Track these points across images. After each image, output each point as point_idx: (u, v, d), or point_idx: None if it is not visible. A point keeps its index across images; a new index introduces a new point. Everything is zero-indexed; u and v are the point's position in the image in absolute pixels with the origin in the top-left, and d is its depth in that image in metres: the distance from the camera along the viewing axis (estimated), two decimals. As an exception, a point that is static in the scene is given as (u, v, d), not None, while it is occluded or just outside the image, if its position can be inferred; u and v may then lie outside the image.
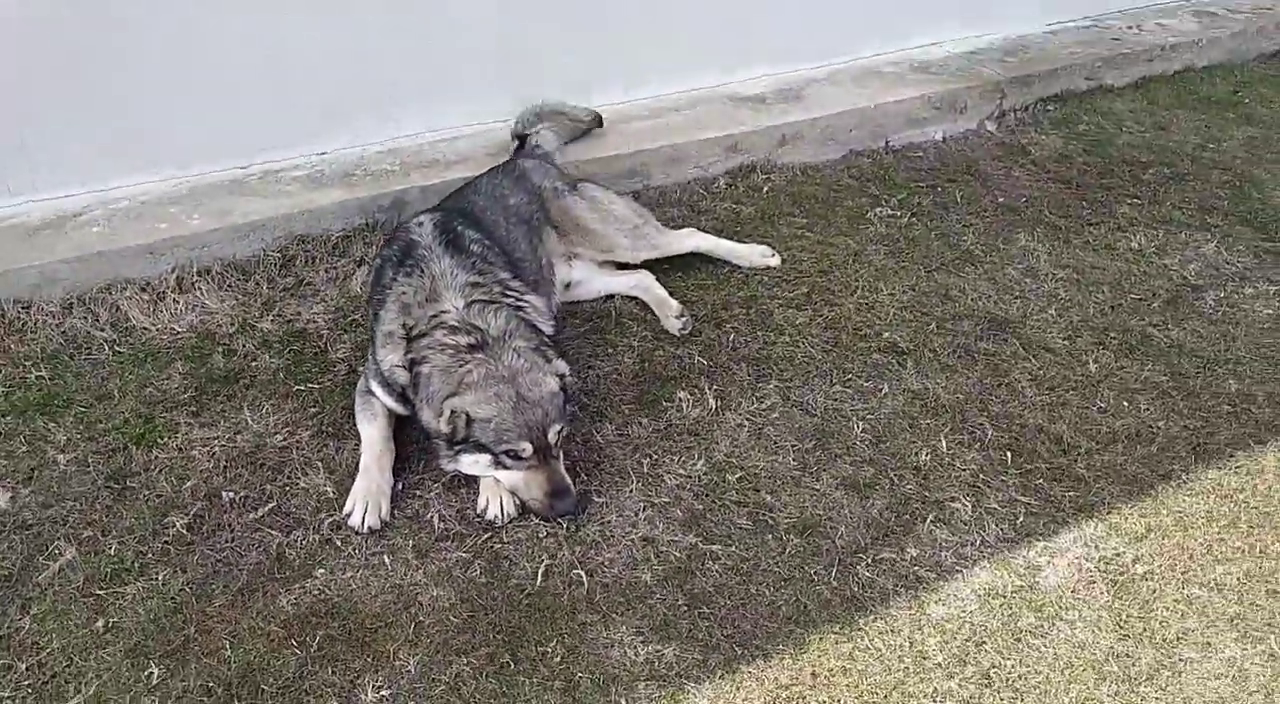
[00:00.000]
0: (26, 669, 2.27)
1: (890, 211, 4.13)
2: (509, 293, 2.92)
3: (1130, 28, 5.51)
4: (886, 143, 4.63)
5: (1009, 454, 2.98)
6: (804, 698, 2.30)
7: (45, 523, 2.60)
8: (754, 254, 3.73)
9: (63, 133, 3.42)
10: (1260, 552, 2.72)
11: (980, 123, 4.83)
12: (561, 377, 2.74)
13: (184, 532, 2.59)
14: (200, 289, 3.37)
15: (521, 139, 3.85)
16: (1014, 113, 4.91)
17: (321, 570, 2.53)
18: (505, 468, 2.67)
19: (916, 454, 2.96)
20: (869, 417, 3.09)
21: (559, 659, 2.35)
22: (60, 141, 3.42)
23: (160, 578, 2.48)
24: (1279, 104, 5.18)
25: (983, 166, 4.52)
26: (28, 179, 3.42)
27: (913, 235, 3.99)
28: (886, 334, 3.44)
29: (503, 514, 2.69)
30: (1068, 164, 4.55)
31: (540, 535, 2.66)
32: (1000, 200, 4.26)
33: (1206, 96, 5.26)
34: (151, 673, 2.26)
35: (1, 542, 2.55)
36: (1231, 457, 3.02)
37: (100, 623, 2.37)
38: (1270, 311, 3.64)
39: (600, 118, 4.17)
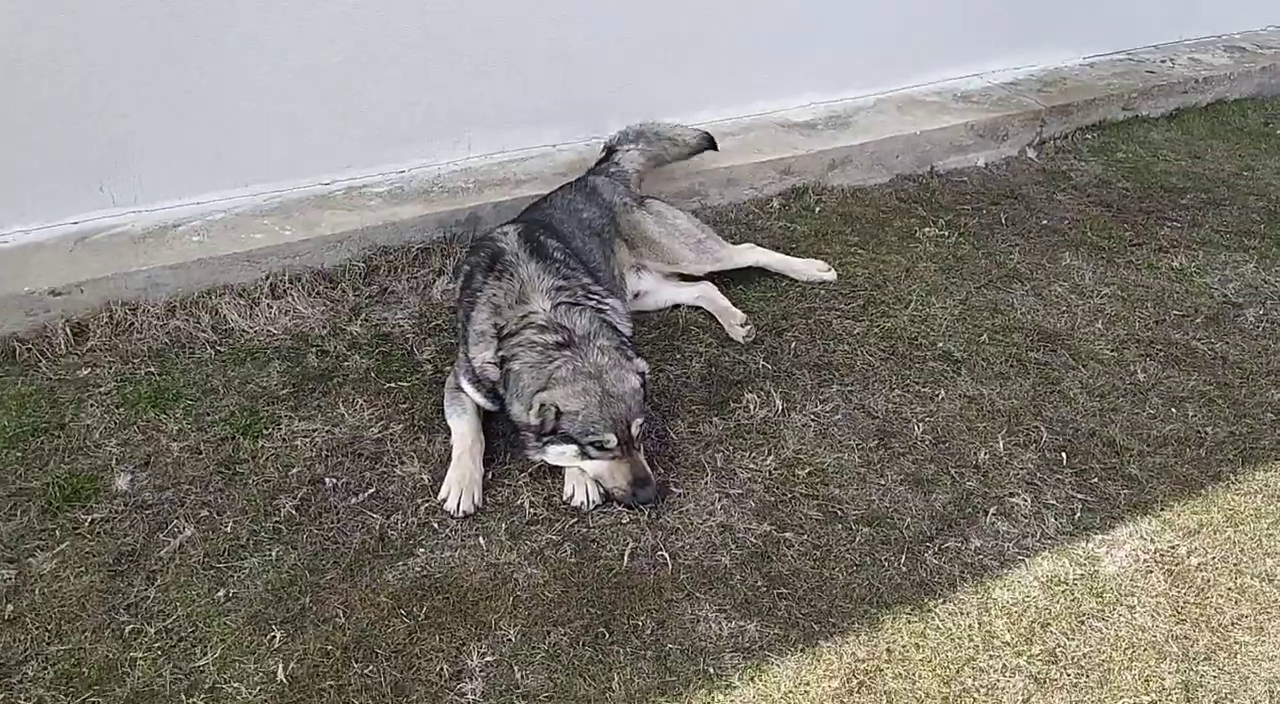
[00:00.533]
0: (155, 633, 2.44)
1: (938, 231, 4.31)
2: (591, 296, 3.11)
3: (1164, 61, 5.71)
4: (931, 168, 4.83)
5: (1064, 455, 3.12)
6: (881, 671, 2.45)
7: (163, 503, 2.78)
8: (811, 268, 3.91)
9: (164, 149, 3.64)
10: (1308, 546, 2.85)
11: (1021, 150, 5.02)
12: (642, 374, 2.92)
13: (293, 513, 2.77)
14: (292, 295, 3.57)
15: (610, 151, 4.04)
16: (1054, 141, 5.11)
17: (422, 550, 2.70)
18: (591, 458, 2.84)
19: (975, 453, 3.11)
20: (928, 419, 3.25)
21: (649, 631, 2.50)
22: (161, 158, 3.64)
23: (274, 554, 2.65)
24: (1310, 135, 5.35)
25: (1025, 191, 4.70)
26: (132, 192, 3.64)
27: (960, 254, 4.17)
28: (941, 344, 3.60)
29: (588, 501, 2.85)
30: (1108, 189, 4.73)
31: (623, 521, 2.82)
32: (1044, 222, 4.43)
33: (1239, 127, 5.44)
34: (274, 636, 2.43)
35: (124, 519, 2.72)
36: (1277, 460, 3.16)
37: (221, 593, 2.54)
38: (1309, 328, 3.78)
39: (712, 139, 4.23)
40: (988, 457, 3.10)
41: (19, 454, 2.91)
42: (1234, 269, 4.12)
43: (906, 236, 4.29)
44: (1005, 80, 5.33)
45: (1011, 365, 3.51)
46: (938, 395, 3.36)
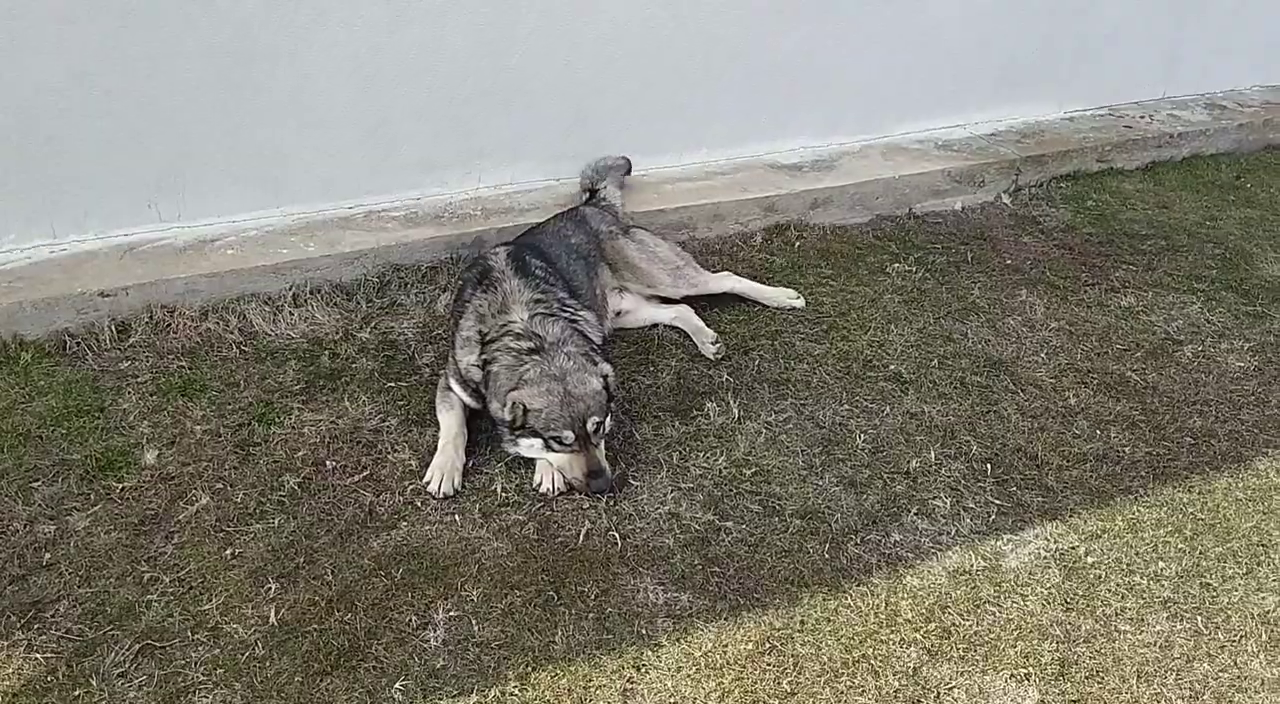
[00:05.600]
0: (169, 582, 2.85)
1: (907, 267, 4.68)
2: (565, 308, 3.52)
3: (1143, 117, 6.06)
4: (910, 210, 5.20)
5: (989, 466, 3.46)
6: (792, 639, 2.79)
7: (184, 476, 3.21)
8: (781, 295, 4.30)
9: (208, 173, 4.12)
10: (1200, 553, 3.16)
11: (997, 196, 5.38)
12: (605, 377, 3.31)
13: (296, 489, 3.18)
14: (311, 305, 4.01)
15: (592, 192, 4.50)
16: (1028, 188, 5.46)
17: (405, 523, 3.10)
18: (553, 450, 3.23)
19: (908, 462, 3.46)
20: (870, 431, 3.60)
21: (594, 597, 2.87)
22: (205, 180, 4.12)
23: (276, 522, 3.06)
24: (1278, 189, 5.66)
25: (995, 233, 5.06)
26: (177, 210, 4.12)
27: (925, 288, 4.53)
28: (893, 366, 3.96)
29: (553, 488, 3.23)
30: (1073, 234, 5.07)
31: (584, 507, 3.20)
32: (1007, 262, 4.78)
33: (1211, 181, 5.77)
34: (270, 588, 2.83)
35: (149, 488, 3.15)
36: (1187, 479, 3.47)
37: (229, 551, 2.95)
38: (1242, 364, 4.09)
39: (629, 163, 4.80)
40: (919, 464, 3.44)
41: (63, 431, 3.35)
42: (1180, 309, 4.44)
43: (877, 271, 4.66)
44: (987, 131, 5.70)
45: (955, 387, 3.86)
46: (883, 411, 3.71)
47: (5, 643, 2.64)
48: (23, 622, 2.70)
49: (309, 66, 4.13)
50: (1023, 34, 5.64)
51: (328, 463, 3.31)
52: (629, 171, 4.83)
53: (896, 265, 4.69)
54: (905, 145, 5.48)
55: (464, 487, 3.25)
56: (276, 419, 3.47)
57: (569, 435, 3.18)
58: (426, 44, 4.32)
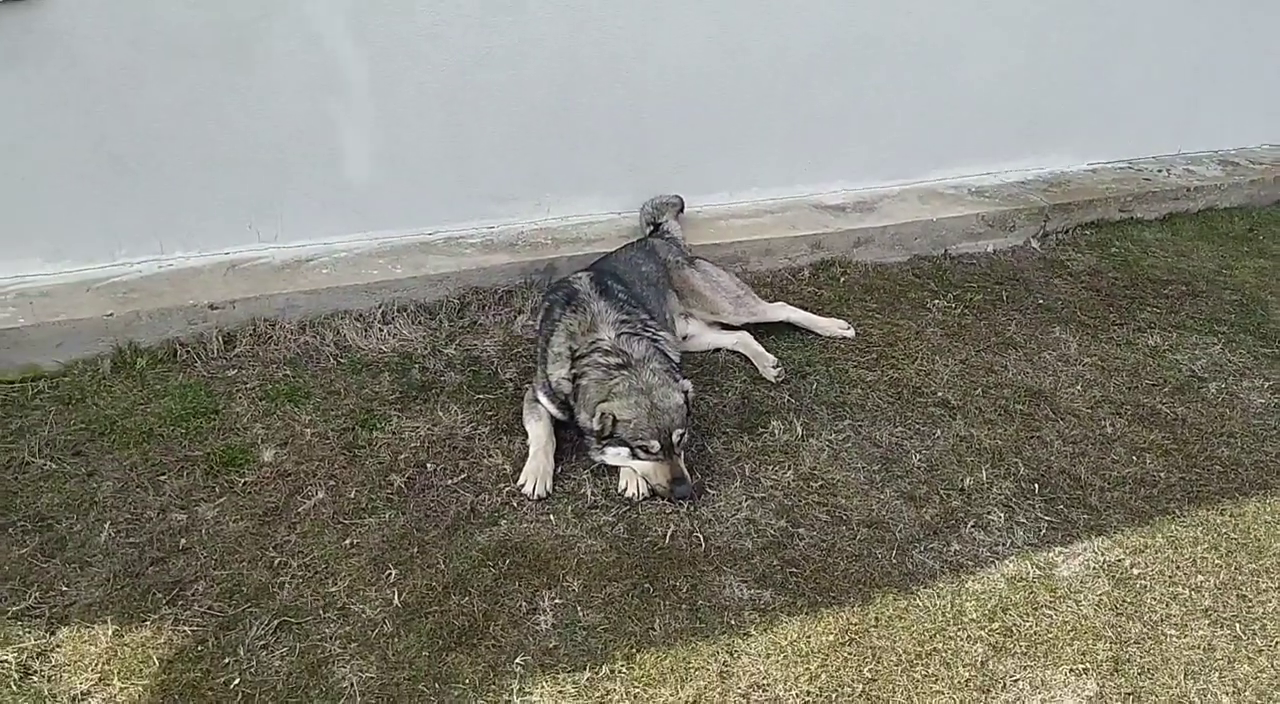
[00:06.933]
0: (297, 566, 3.10)
1: (946, 304, 4.98)
2: (648, 328, 3.81)
3: (1161, 170, 6.40)
4: (945, 251, 5.52)
5: (1036, 486, 3.73)
6: (868, 632, 3.05)
7: (300, 473, 3.47)
8: (833, 326, 4.59)
9: (304, 198, 4.42)
10: (1235, 567, 3.43)
11: (1026, 240, 5.70)
12: (685, 392, 3.59)
13: (402, 487, 3.44)
14: (399, 322, 4.30)
15: (655, 225, 4.81)
16: (1055, 234, 5.79)
17: (504, 521, 3.36)
18: (639, 459, 3.50)
19: (962, 480, 3.73)
20: (924, 451, 3.88)
21: (685, 591, 3.13)
22: (301, 204, 4.42)
23: (388, 516, 3.32)
24: (1288, 241, 5.99)
25: (1026, 275, 5.37)
26: (274, 231, 4.41)
27: (964, 323, 4.83)
28: (940, 393, 4.24)
29: (638, 494, 3.50)
30: (1099, 277, 5.39)
31: (667, 511, 3.46)
32: (1040, 302, 5.09)
33: (1225, 232, 6.10)
34: (390, 574, 3.08)
35: (269, 483, 3.41)
36: (1219, 502, 3.74)
37: (347, 541, 3.21)
38: (1263, 400, 4.38)
39: (682, 201, 5.15)
40: (972, 483, 3.72)
41: (183, 430, 3.62)
42: (1203, 349, 4.74)
43: (918, 306, 4.96)
44: (1016, 179, 6.04)
45: (999, 414, 4.14)
46: (934, 433, 3.99)
47: (155, 616, 2.88)
48: (168, 599, 2.94)
49: (399, 104, 4.45)
50: (1048, 89, 6.00)
51: (428, 465, 3.57)
52: (682, 210, 5.15)
53: (937, 301, 5.00)
54: (940, 190, 5.81)
55: (555, 490, 3.51)
56: (378, 425, 3.74)
57: (655, 445, 3.45)
58: (504, 85, 4.64)
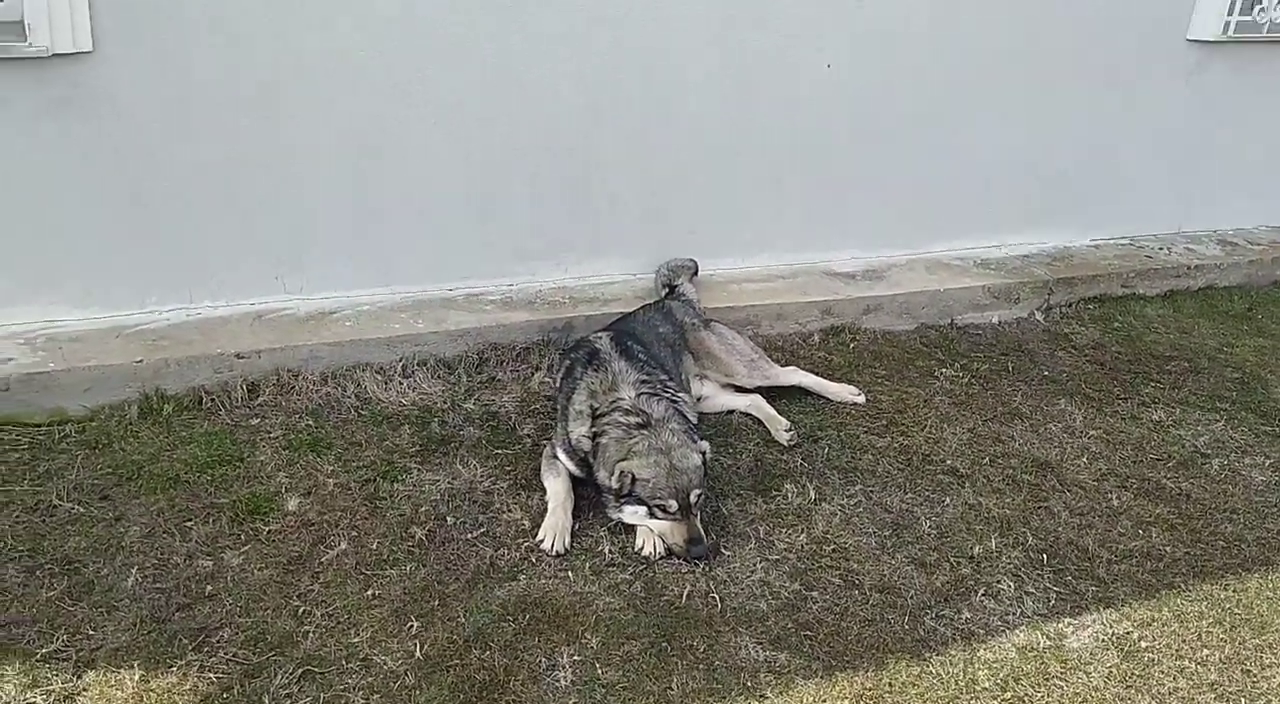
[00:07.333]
0: (320, 616, 3.14)
1: (953, 373, 5.08)
2: (667, 389, 3.89)
3: (1162, 248, 6.55)
4: (952, 321, 5.63)
5: (1045, 556, 3.79)
6: (883, 699, 3.09)
7: (323, 523, 3.52)
8: (844, 391, 4.68)
9: (329, 252, 4.54)
10: (1239, 642, 3.48)
11: (1031, 312, 5.83)
12: (703, 453, 3.67)
13: (423, 539, 3.50)
14: (419, 376, 4.38)
15: (671, 288, 4.92)
16: (1059, 307, 5.91)
17: (523, 576, 3.41)
18: (656, 518, 3.56)
19: (971, 548, 3.79)
20: (934, 518, 3.94)
21: (701, 651, 3.17)
22: (327, 259, 4.53)
23: (409, 569, 3.37)
24: (1287, 320, 6.12)
25: (1031, 346, 5.48)
26: (299, 283, 4.51)
27: (971, 392, 4.92)
28: (949, 461, 4.32)
29: (655, 552, 3.55)
30: (1103, 351, 5.50)
31: (683, 571, 3.52)
32: (1045, 373, 5.19)
33: (1225, 310, 6.23)
34: (411, 625, 3.12)
35: (293, 532, 3.46)
36: (1223, 577, 3.81)
37: (370, 592, 3.25)
38: (1264, 478, 4.46)
39: (696, 264, 5.26)
40: (981, 551, 3.78)
41: (209, 477, 3.67)
42: (1205, 426, 4.83)
43: (926, 374, 5.06)
44: (1021, 253, 6.18)
45: (1007, 483, 4.21)
46: (944, 501, 4.06)
47: (181, 662, 2.92)
48: (194, 645, 2.98)
49: (425, 165, 4.58)
50: (1052, 167, 6.16)
51: (448, 518, 3.62)
52: (697, 272, 5.27)
53: (944, 370, 5.09)
54: (947, 261, 5.95)
55: (573, 546, 3.57)
56: (398, 477, 3.80)
57: (673, 504, 3.52)
58: (526, 149, 4.78)
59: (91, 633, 2.99)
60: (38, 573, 3.20)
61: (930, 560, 3.71)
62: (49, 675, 2.83)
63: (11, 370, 3.86)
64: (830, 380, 4.76)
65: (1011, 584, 3.62)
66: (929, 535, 3.84)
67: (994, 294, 5.72)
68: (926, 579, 3.61)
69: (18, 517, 3.42)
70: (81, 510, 3.47)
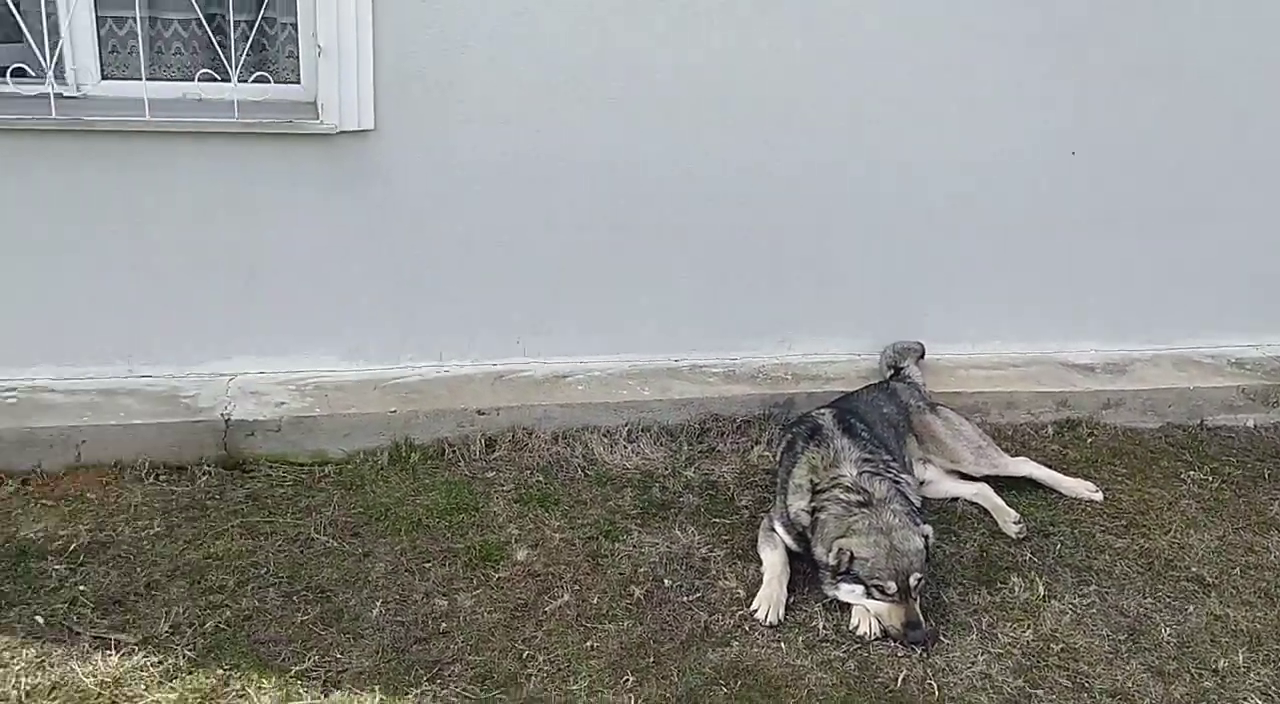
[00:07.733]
0: (543, 661, 3.28)
1: (1202, 476, 4.76)
2: (889, 469, 3.86)
3: None
4: (1202, 421, 5.28)
5: (1300, 677, 3.48)
6: (1112, 810, 2.90)
7: (548, 574, 3.69)
8: (1080, 487, 4.48)
9: (563, 322, 4.83)
10: None
11: (1292, 417, 5.39)
12: (926, 537, 3.60)
13: (641, 598, 3.60)
14: (642, 441, 4.54)
15: (897, 369, 4.90)
16: (1325, 413, 5.44)
17: (736, 643, 3.43)
18: (874, 598, 3.51)
19: (1215, 661, 3.51)
20: (1175, 626, 3.68)
21: (917, 738, 3.09)
22: (562, 328, 4.82)
23: (626, 625, 3.47)
24: None
25: (1292, 453, 5.07)
26: (538, 348, 4.81)
27: (1222, 498, 4.59)
28: (1194, 568, 4.03)
29: (870, 632, 3.50)
30: (1379, 462, 5.01)
31: (898, 655, 3.44)
32: (1306, 482, 4.78)
33: None
34: (627, 679, 3.21)
35: (521, 581, 3.65)
36: None
37: (589, 643, 3.37)
38: None
39: (923, 347, 5.19)
40: (1227, 665, 3.50)
41: (447, 523, 3.93)
42: None
43: (1172, 476, 4.76)
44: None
45: (1259, 596, 3.89)
46: (1186, 609, 3.79)
47: (416, 690, 3.12)
48: (428, 676, 3.18)
49: (657, 245, 4.81)
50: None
51: (665, 581, 3.71)
52: (923, 356, 5.20)
53: (1192, 473, 4.78)
54: (1197, 358, 5.61)
55: (786, 619, 3.57)
56: (620, 536, 3.93)
57: (892, 586, 3.46)
58: (755, 228, 4.91)
59: (339, 656, 3.24)
60: (294, 598, 3.50)
61: (1169, 670, 3.47)
62: (300, 691, 3.09)
63: (284, 413, 4.29)
64: (1064, 475, 4.57)
65: (1260, 702, 3.33)
66: (1168, 644, 3.59)
67: (1250, 396, 5.34)
68: (1164, 689, 3.37)
69: (280, 546, 3.77)
70: (335, 544, 3.78)
